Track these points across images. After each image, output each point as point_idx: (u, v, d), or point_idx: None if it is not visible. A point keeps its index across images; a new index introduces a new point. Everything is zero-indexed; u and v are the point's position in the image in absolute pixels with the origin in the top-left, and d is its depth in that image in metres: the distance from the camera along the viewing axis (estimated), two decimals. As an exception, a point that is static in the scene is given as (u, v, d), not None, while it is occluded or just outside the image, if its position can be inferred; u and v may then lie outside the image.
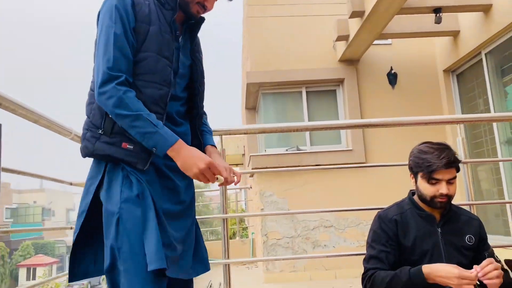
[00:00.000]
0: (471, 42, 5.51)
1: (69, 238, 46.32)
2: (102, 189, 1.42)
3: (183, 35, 1.61)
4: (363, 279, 1.80)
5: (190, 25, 1.63)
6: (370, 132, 6.17)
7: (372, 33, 5.38)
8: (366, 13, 4.92)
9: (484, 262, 1.61)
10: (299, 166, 5.89)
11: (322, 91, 6.48)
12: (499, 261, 1.91)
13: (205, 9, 1.58)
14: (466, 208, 2.43)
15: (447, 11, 5.18)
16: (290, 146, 6.24)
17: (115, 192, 1.39)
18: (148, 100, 1.43)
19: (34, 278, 29.95)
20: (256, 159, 5.99)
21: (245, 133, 2.35)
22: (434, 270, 1.62)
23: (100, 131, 1.43)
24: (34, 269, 30.76)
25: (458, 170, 1.81)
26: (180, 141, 1.40)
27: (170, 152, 1.38)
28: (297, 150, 6.12)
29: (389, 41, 6.38)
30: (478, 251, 1.87)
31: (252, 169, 6.05)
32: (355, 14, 5.06)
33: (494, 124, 5.30)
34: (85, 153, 1.45)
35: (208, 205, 28.14)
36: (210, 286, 5.94)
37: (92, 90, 1.48)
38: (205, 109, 1.73)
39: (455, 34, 5.81)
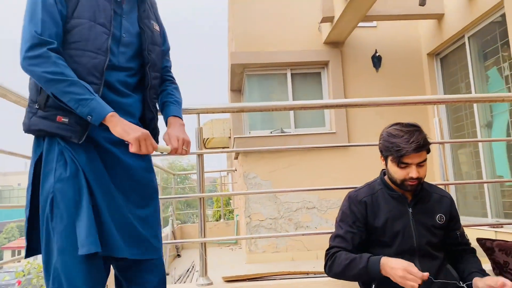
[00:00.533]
0: (455, 25, 5.53)
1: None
2: (41, 166, 1.39)
3: (128, 1, 1.54)
4: (326, 255, 1.81)
5: None
6: (354, 115, 6.20)
7: (357, 14, 5.35)
8: (351, -7, 4.89)
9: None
10: (283, 149, 5.90)
11: (307, 73, 6.46)
12: (467, 241, 1.96)
13: None
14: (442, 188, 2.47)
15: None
16: (274, 129, 6.24)
17: (50, 171, 1.36)
18: (82, 69, 1.36)
19: (19, 261, 29.81)
20: (241, 141, 5.98)
21: (222, 112, 2.34)
22: (389, 261, 1.61)
23: (36, 106, 1.38)
24: (19, 251, 30.61)
25: (428, 151, 1.80)
26: (116, 114, 1.35)
27: (107, 121, 1.33)
28: (282, 132, 6.13)
29: (374, 23, 6.36)
30: (448, 229, 1.88)
31: (236, 152, 6.04)
32: (340, -6, 5.02)
33: (475, 107, 5.36)
34: (24, 129, 1.41)
35: (195, 187, 28.14)
36: (193, 267, 5.99)
37: None
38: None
39: (439, 17, 5.82)
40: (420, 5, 5.04)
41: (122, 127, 1.34)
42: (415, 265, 1.61)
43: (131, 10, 1.54)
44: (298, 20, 6.35)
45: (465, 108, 5.65)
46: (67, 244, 1.32)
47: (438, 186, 1.99)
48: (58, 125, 1.36)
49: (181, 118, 1.64)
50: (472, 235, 3.56)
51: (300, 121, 6.35)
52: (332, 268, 1.75)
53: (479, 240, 2.28)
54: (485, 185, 5.21)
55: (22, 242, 31.56)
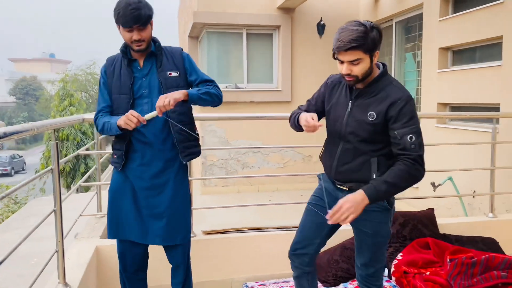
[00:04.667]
0: (387, 9, 6.56)
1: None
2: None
3: (145, 65, 2.28)
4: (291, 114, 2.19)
5: (149, 56, 2.30)
6: (297, 74, 7.26)
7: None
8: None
9: (335, 208, 1.72)
10: (236, 102, 6.94)
11: (261, 34, 7.28)
12: (410, 147, 1.82)
13: (140, 41, 2.21)
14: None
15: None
16: (229, 83, 7.18)
17: (112, 180, 2.35)
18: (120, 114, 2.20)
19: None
20: (199, 93, 6.90)
21: (218, 119, 3.30)
22: (303, 114, 1.95)
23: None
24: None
25: (366, 51, 1.77)
26: (118, 119, 2.12)
27: (119, 126, 2.11)
28: (236, 88, 7.10)
29: (322, -6, 7.17)
30: (387, 128, 1.85)
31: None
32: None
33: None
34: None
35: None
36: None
37: None
38: None
39: (376, -1, 6.79)
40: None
41: (120, 123, 2.16)
42: (340, 149, 1.95)
43: (151, 69, 2.30)
44: (256, -15, 7.00)
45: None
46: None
47: (401, 87, 1.91)
48: (114, 160, 2.35)
49: (187, 92, 2.15)
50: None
51: (252, 77, 7.32)
52: (290, 120, 2.17)
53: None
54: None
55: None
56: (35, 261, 3.93)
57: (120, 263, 2.42)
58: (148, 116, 2.06)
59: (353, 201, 1.72)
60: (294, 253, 2.14)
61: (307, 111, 2.07)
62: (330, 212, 1.73)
